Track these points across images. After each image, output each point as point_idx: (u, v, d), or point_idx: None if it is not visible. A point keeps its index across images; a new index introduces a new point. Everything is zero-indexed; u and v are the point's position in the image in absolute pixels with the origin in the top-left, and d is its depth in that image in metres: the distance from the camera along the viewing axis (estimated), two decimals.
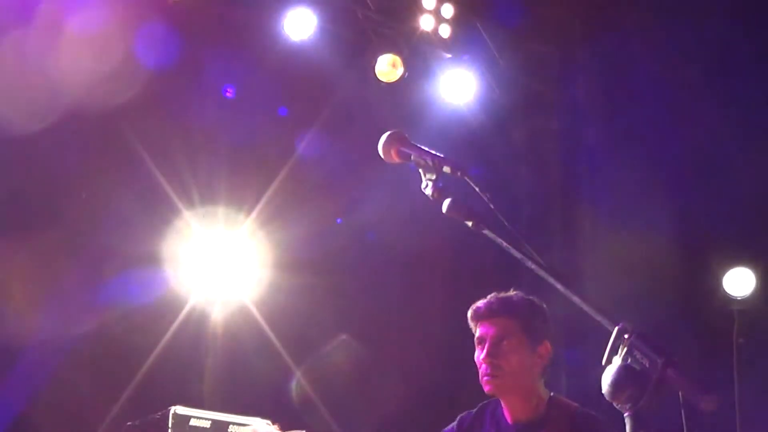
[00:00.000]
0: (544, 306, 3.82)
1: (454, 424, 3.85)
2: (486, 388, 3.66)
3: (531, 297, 3.82)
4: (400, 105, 7.55)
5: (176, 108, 6.72)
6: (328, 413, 7.01)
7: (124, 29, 6.36)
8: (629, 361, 2.04)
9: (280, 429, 3.80)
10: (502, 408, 3.75)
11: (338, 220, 7.59)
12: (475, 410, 3.85)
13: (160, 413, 4.94)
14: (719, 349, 6.53)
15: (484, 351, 3.66)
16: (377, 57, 7.35)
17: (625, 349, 2.06)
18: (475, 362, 3.70)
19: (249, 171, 7.06)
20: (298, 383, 7.14)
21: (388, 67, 7.35)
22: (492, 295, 3.83)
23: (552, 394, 3.74)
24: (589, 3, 8.16)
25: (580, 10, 8.29)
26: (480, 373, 3.67)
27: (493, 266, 6.71)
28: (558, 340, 8.09)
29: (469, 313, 3.79)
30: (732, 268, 6.98)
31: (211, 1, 6.87)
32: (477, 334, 3.73)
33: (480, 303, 3.80)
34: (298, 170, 7.17)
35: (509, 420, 3.71)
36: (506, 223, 2.46)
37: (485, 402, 3.84)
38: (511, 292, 3.82)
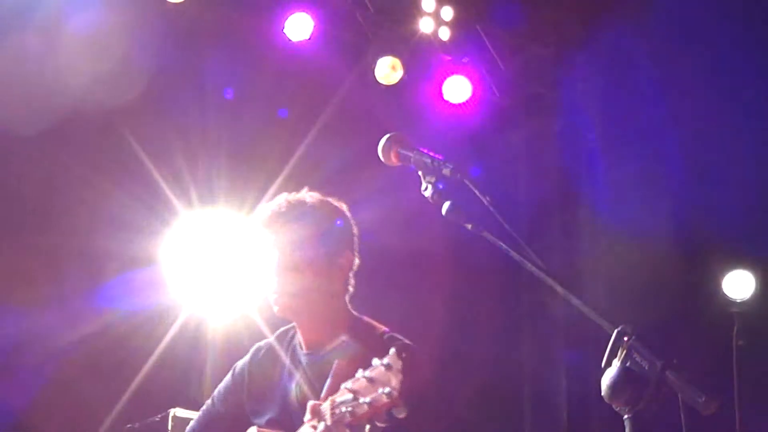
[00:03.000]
0: (345, 209, 3.34)
1: (248, 355, 3.41)
2: (275, 308, 3.19)
3: (329, 198, 3.32)
4: (400, 107, 7.55)
5: (176, 109, 6.72)
6: None
7: (124, 31, 6.36)
8: (628, 363, 2.05)
9: None
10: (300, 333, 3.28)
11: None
12: (273, 337, 3.39)
13: (159, 416, 4.94)
14: (719, 352, 6.52)
15: (272, 262, 3.16)
16: (377, 59, 7.35)
17: (625, 351, 2.06)
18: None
19: (249, 173, 7.05)
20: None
21: (387, 70, 7.35)
22: (281, 197, 3.29)
23: (359, 316, 3.28)
24: (588, 5, 8.16)
25: (579, 12, 8.30)
26: (268, 291, 3.20)
27: (493, 269, 6.72)
28: (558, 342, 8.10)
29: (254, 220, 3.26)
30: (732, 270, 6.98)
31: (211, 2, 6.88)
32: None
33: (265, 207, 3.26)
34: (298, 172, 7.17)
35: (304, 346, 3.23)
36: (506, 226, 2.46)
37: (284, 328, 3.39)
38: (305, 193, 3.30)
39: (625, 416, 2.05)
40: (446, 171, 2.63)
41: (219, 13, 6.93)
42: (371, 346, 3.01)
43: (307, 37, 7.00)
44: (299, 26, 6.96)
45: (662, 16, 7.51)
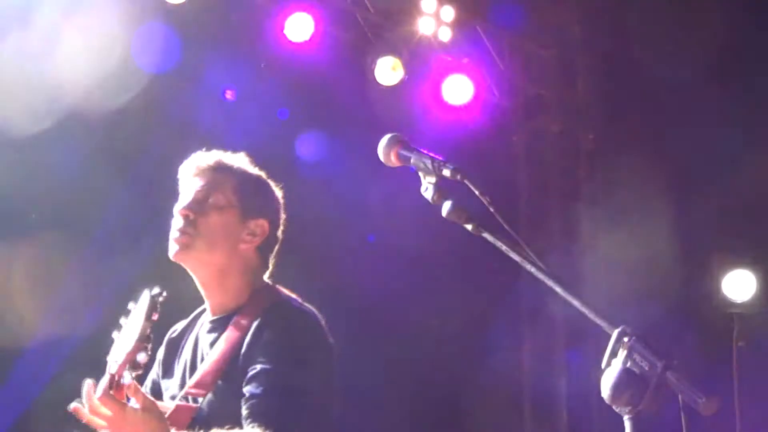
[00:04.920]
0: (274, 187, 3.30)
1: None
2: (172, 249, 3.16)
3: (256, 167, 3.29)
4: (400, 108, 7.55)
5: (176, 110, 6.72)
6: None
7: (124, 32, 6.36)
8: (629, 364, 2.05)
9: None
10: None
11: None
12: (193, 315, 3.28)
13: None
14: (719, 353, 6.52)
15: (184, 202, 3.19)
16: (377, 60, 7.35)
17: (625, 352, 2.06)
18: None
19: None
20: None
21: (387, 70, 7.36)
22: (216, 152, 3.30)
23: (271, 284, 3.16)
24: (589, 5, 8.17)
25: (580, 12, 8.30)
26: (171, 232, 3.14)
27: (493, 269, 6.71)
28: (558, 342, 8.09)
29: (180, 168, 3.32)
30: (732, 271, 6.98)
31: (211, 2, 6.88)
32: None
33: (197, 156, 3.32)
34: (298, 173, 7.17)
35: (210, 312, 3.16)
36: (506, 226, 2.46)
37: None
38: (240, 154, 3.31)
39: (626, 417, 2.05)
40: (446, 172, 2.62)
41: (219, 13, 6.93)
42: (262, 310, 2.98)
43: (308, 38, 7.01)
44: (299, 26, 6.97)
45: (662, 18, 7.51)
